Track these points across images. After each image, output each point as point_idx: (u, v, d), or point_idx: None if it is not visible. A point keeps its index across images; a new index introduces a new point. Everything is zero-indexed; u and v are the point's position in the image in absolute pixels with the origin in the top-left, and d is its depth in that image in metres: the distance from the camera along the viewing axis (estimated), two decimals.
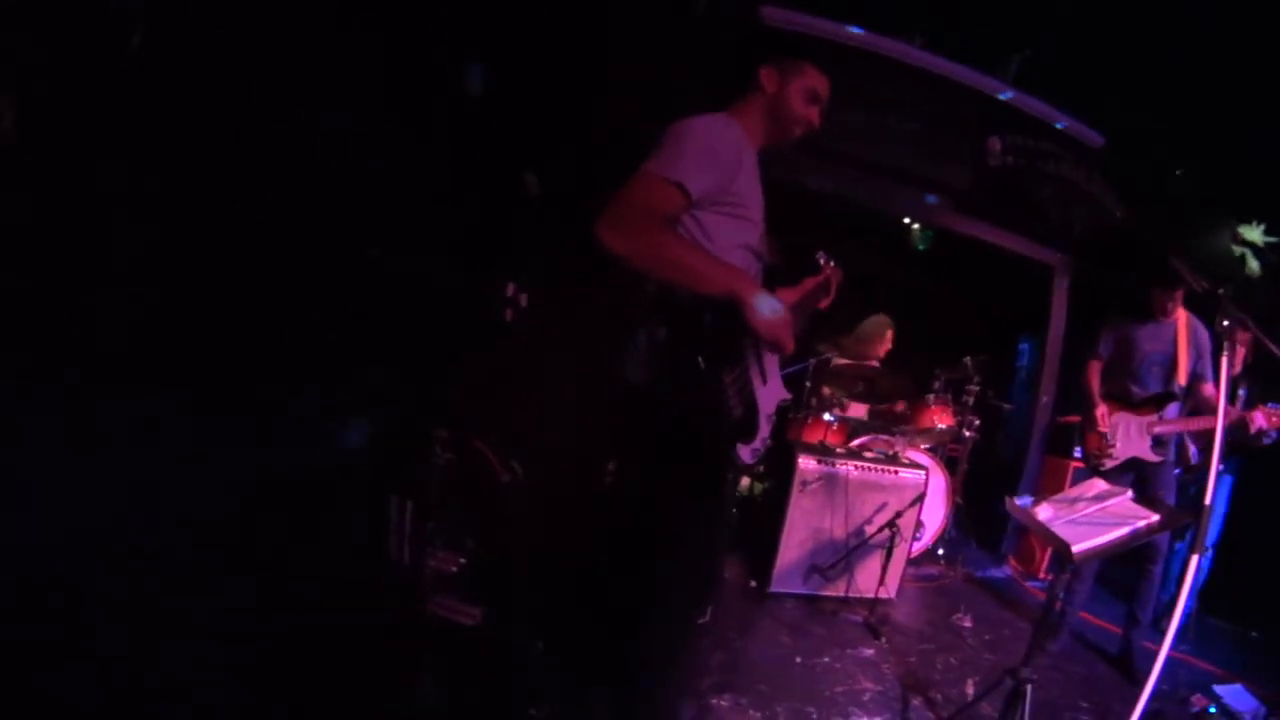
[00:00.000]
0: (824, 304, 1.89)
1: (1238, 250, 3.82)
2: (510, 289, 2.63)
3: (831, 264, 1.87)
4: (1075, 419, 3.26)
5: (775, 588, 3.14)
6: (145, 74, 1.82)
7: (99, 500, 1.69)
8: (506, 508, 2.36)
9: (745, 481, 4.03)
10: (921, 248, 5.44)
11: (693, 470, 1.49)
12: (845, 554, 3.16)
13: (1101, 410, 2.94)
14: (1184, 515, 2.14)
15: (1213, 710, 2.62)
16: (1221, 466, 2.52)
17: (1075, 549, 1.78)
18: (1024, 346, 5.83)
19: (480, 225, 2.70)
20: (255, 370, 2.04)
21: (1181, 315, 2.94)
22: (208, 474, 1.88)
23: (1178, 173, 3.66)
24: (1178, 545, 3.34)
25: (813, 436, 3.85)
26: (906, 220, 5.24)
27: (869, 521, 3.19)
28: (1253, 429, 2.75)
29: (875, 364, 4.30)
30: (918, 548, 3.74)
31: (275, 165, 2.07)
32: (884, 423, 4.20)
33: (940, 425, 4.06)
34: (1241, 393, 3.44)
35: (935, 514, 3.87)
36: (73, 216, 1.75)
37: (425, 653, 2.02)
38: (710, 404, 1.42)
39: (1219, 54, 3.15)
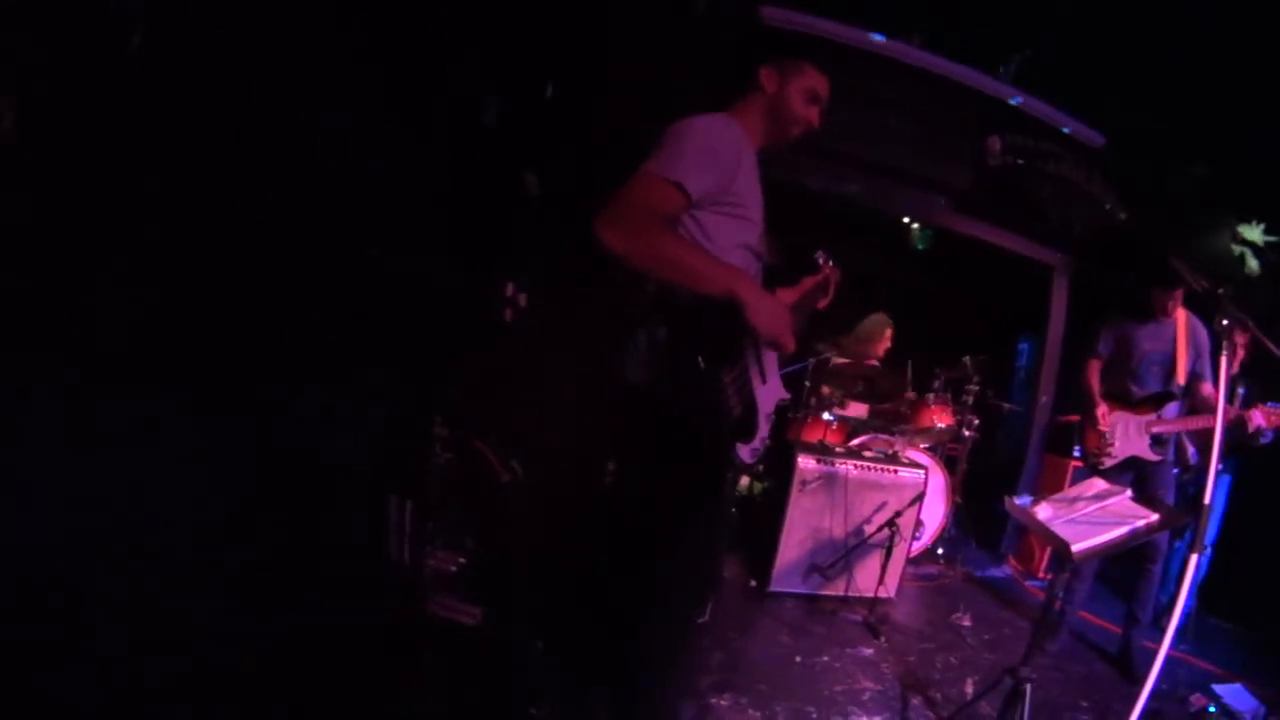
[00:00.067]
0: (823, 304, 1.89)
1: (1237, 250, 3.82)
2: (509, 289, 2.63)
3: (830, 264, 1.88)
4: (1075, 418, 3.26)
5: (775, 587, 3.14)
6: (145, 74, 1.82)
7: (99, 500, 1.69)
8: (506, 508, 2.36)
9: (745, 481, 4.03)
10: (921, 247, 5.44)
11: (693, 470, 1.49)
12: (845, 553, 3.16)
13: (1102, 409, 2.95)
14: (1183, 514, 2.15)
15: (1212, 710, 2.62)
16: (1220, 466, 2.52)
17: (1074, 548, 1.78)
18: (1023, 346, 5.84)
19: (480, 225, 2.70)
20: (255, 370, 2.04)
21: (1181, 315, 2.95)
22: (208, 474, 1.88)
23: (1193, 169, 3.64)
24: (1177, 544, 3.34)
25: (812, 436, 3.85)
26: (906, 220, 5.24)
27: (868, 521, 3.20)
28: (1251, 428, 2.75)
29: (875, 363, 4.31)
30: (917, 547, 3.74)
31: (275, 165, 2.06)
32: (883, 422, 4.20)
33: (940, 425, 4.07)
34: (1240, 392, 3.44)
35: (935, 513, 3.87)
36: (73, 216, 1.75)
37: (425, 653, 2.03)
38: (710, 404, 1.43)
39: (1219, 54, 3.14)
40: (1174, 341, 2.93)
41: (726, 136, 1.44)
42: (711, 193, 1.40)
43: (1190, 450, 3.30)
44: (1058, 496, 2.12)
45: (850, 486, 3.18)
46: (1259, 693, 2.74)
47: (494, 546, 2.32)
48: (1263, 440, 3.09)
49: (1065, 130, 3.68)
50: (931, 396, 4.18)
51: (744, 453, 1.57)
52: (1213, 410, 2.03)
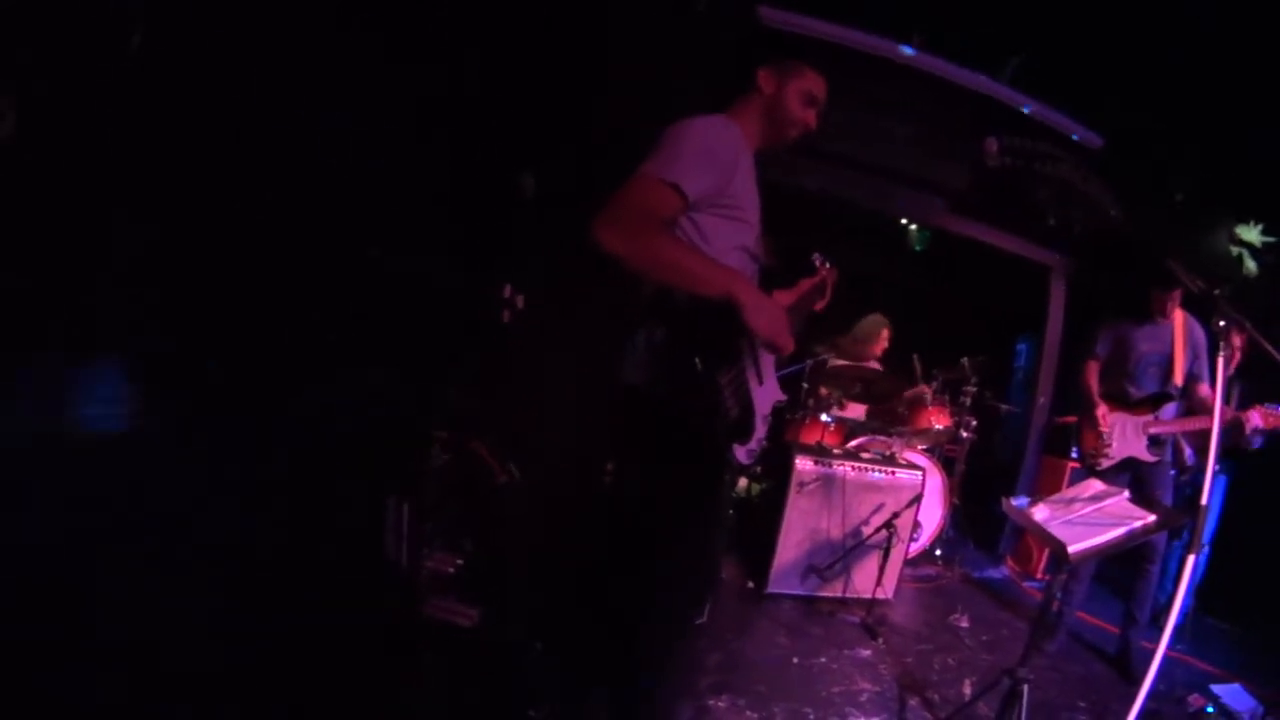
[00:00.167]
0: (820, 306, 1.89)
1: (1235, 250, 3.83)
2: (506, 290, 2.63)
3: (827, 265, 1.88)
4: (1072, 419, 3.26)
5: (772, 588, 3.14)
6: (145, 74, 1.82)
7: (99, 500, 1.69)
8: (503, 509, 2.37)
9: (743, 482, 4.03)
10: (919, 248, 5.44)
11: (691, 470, 1.50)
12: (842, 554, 3.16)
13: (1102, 410, 2.95)
14: (1180, 515, 2.15)
15: (1210, 710, 2.63)
16: (1217, 467, 2.53)
17: (1072, 549, 1.78)
18: (1021, 347, 5.84)
19: (480, 225, 2.71)
20: (255, 370, 2.04)
21: (1178, 316, 2.95)
22: (208, 474, 1.88)
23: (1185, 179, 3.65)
24: (1175, 544, 3.35)
25: (810, 437, 3.86)
26: (904, 221, 5.25)
27: (866, 522, 3.20)
28: (1248, 429, 2.76)
29: (873, 364, 4.31)
30: (915, 548, 3.75)
31: (275, 165, 2.07)
32: (881, 423, 4.21)
33: (937, 426, 4.07)
34: (1237, 393, 3.45)
35: (932, 514, 3.88)
36: (73, 216, 1.75)
37: (424, 653, 2.03)
38: (707, 405, 1.43)
39: (1219, 54, 3.15)
40: (1171, 342, 2.94)
41: (724, 138, 1.44)
42: (709, 194, 1.40)
43: (1187, 451, 3.31)
44: (1055, 497, 2.12)
45: (848, 488, 3.18)
46: (1257, 692, 2.75)
47: (491, 548, 2.32)
48: (1255, 444, 3.10)
49: (1063, 132, 3.69)
50: (929, 397, 4.18)
51: (740, 454, 1.57)
52: (1210, 411, 2.04)
